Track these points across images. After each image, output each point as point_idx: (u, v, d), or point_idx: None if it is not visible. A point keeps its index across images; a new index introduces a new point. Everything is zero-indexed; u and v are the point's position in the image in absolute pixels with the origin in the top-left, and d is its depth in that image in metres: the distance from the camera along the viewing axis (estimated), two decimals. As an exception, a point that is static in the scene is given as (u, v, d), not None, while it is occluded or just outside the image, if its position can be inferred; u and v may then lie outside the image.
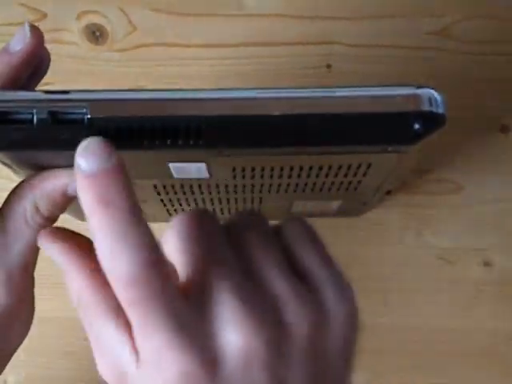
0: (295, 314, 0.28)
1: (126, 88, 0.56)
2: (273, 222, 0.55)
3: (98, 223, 0.25)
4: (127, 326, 0.27)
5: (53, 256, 0.31)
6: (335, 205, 0.49)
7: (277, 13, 0.58)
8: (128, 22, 0.58)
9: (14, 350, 0.37)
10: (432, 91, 0.30)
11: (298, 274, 0.30)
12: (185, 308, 0.26)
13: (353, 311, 0.30)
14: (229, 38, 0.58)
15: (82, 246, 0.31)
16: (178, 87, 0.56)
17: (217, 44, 0.58)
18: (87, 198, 0.26)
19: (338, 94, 0.30)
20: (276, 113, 0.29)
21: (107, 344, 0.28)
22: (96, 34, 0.58)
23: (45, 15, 0.58)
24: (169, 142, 0.30)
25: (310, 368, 0.28)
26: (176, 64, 0.58)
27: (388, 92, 0.30)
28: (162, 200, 0.44)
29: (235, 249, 0.29)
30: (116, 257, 0.25)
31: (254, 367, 0.26)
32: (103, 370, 0.28)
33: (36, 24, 0.57)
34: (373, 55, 0.58)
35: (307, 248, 0.31)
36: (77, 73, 0.58)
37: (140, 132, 0.29)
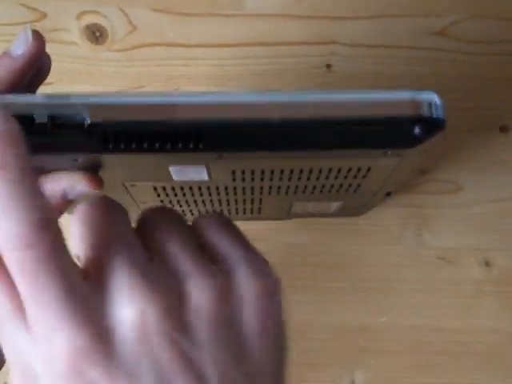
0: (196, 284, 0.27)
1: (126, 88, 0.57)
2: (272, 223, 0.55)
3: None
4: (21, 309, 0.25)
5: None
6: (335, 206, 0.49)
7: (277, 13, 0.58)
8: (128, 21, 0.58)
9: None
10: (432, 95, 0.30)
11: (212, 260, 0.28)
12: (80, 284, 0.25)
13: (269, 286, 0.29)
14: (229, 38, 0.58)
15: None
16: (177, 87, 0.57)
17: (217, 44, 0.58)
18: None
19: (337, 98, 0.30)
20: (275, 117, 0.29)
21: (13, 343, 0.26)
22: (96, 34, 0.58)
23: (45, 15, 0.58)
24: (169, 145, 0.30)
25: (222, 350, 0.26)
26: (176, 64, 0.58)
27: (388, 96, 0.30)
28: (161, 201, 0.44)
29: (142, 237, 0.28)
30: (6, 216, 0.24)
31: (153, 340, 0.25)
32: (16, 373, 0.26)
33: (36, 24, 0.58)
34: (373, 55, 0.58)
35: (220, 233, 0.30)
36: (77, 73, 0.58)
37: (140, 136, 0.29)
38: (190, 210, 0.48)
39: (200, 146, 0.30)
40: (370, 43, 0.58)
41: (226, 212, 0.49)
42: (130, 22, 0.58)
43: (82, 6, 0.58)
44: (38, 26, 0.57)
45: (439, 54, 0.58)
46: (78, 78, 0.58)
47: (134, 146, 0.29)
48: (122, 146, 0.29)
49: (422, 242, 0.56)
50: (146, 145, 0.30)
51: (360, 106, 0.30)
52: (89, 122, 0.29)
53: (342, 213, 0.52)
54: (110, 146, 0.29)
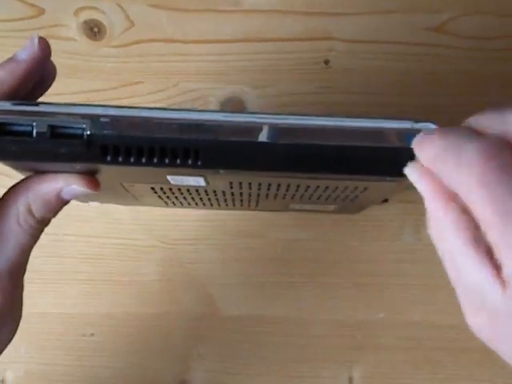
0: None
1: (124, 84, 0.57)
2: (270, 219, 0.55)
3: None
4: (488, 253, 0.26)
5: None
6: (332, 207, 0.49)
7: (274, 9, 0.58)
8: (126, 17, 0.58)
9: (1, 351, 0.37)
10: (430, 125, 0.30)
11: None
12: None
13: None
14: (226, 33, 0.58)
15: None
16: (176, 83, 0.57)
17: (214, 40, 0.58)
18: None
19: (335, 125, 0.30)
20: (274, 141, 0.30)
21: (466, 273, 0.27)
22: (94, 30, 0.58)
23: (43, 11, 0.58)
24: (167, 160, 0.30)
25: None
26: (173, 60, 0.58)
27: (386, 125, 0.30)
28: (159, 196, 0.44)
29: None
30: (462, 161, 0.25)
31: None
32: (462, 297, 0.28)
33: (34, 20, 0.58)
34: (371, 51, 0.58)
35: None
36: (74, 68, 0.58)
37: (139, 150, 0.29)
38: (189, 204, 0.48)
39: (198, 163, 0.30)
40: (367, 39, 0.58)
41: (222, 204, 0.49)
42: (128, 18, 0.58)
43: (79, 1, 0.58)
44: (36, 22, 0.57)
45: (436, 49, 0.58)
46: (76, 74, 0.58)
47: (132, 159, 0.30)
48: (121, 159, 0.29)
49: (420, 237, 0.57)
50: (144, 159, 0.30)
51: (358, 135, 0.30)
52: (88, 133, 0.29)
53: (340, 212, 0.52)
54: (109, 158, 0.29)
